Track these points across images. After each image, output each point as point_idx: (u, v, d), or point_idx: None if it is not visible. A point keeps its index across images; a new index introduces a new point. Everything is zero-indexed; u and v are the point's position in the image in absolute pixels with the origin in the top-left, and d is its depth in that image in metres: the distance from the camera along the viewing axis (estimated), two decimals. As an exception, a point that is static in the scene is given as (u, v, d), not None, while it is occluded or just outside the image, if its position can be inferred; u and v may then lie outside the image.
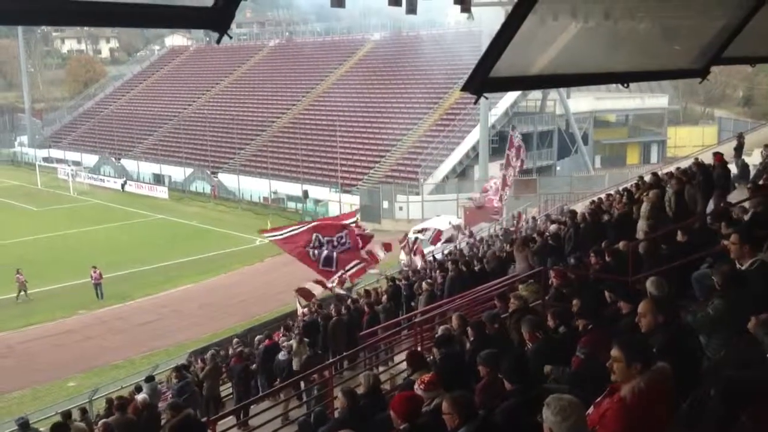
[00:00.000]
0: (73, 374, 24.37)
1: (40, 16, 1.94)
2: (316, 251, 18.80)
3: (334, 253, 18.93)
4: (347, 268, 19.56)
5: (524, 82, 3.63)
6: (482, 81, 2.93)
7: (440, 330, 9.54)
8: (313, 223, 20.82)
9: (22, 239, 44.64)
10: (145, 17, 2.20)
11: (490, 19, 39.54)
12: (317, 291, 20.65)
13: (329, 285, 20.07)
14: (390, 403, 6.09)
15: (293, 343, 14.61)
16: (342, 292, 21.40)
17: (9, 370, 24.82)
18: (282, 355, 14.38)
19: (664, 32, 4.21)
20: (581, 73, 3.81)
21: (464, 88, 2.98)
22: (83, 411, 15.35)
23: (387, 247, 23.73)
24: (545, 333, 7.07)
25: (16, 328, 27.55)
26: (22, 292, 32.21)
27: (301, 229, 19.61)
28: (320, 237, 18.97)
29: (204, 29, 2.35)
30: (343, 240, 19.13)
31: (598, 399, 4.28)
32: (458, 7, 24.24)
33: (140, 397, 12.22)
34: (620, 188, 20.35)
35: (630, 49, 3.93)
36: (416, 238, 27.46)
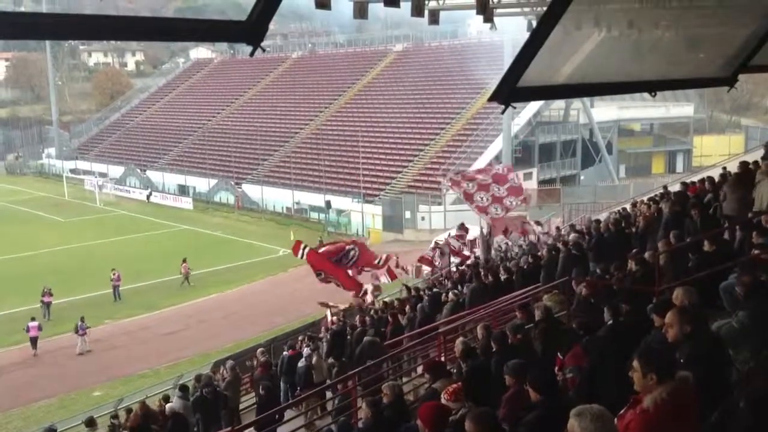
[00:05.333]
0: (98, 383, 24.63)
1: (82, 30, 2.00)
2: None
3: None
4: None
5: (552, 92, 3.64)
6: (510, 91, 2.94)
7: (458, 343, 9.39)
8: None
9: (49, 249, 45.29)
10: (181, 32, 2.25)
11: (512, 29, 39.43)
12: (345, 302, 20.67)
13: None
14: (417, 412, 6.09)
15: (311, 353, 14.72)
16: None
17: (36, 378, 25.17)
18: (301, 363, 14.45)
19: (691, 41, 4.20)
20: (609, 82, 3.81)
21: (492, 98, 2.99)
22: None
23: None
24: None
25: (43, 338, 27.88)
26: (186, 280, 36.52)
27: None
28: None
29: (238, 43, 2.41)
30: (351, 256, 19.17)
31: (622, 411, 4.27)
32: (480, 18, 24.19)
33: (168, 405, 12.32)
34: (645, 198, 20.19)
35: (657, 58, 3.92)
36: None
